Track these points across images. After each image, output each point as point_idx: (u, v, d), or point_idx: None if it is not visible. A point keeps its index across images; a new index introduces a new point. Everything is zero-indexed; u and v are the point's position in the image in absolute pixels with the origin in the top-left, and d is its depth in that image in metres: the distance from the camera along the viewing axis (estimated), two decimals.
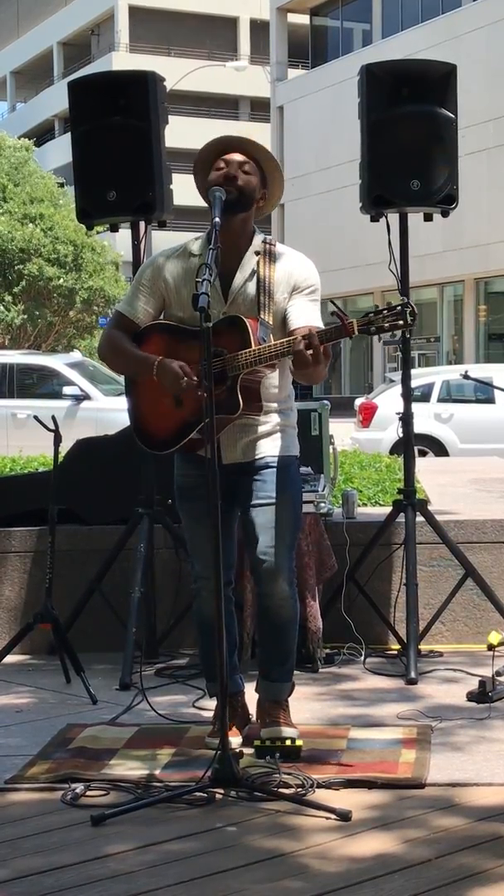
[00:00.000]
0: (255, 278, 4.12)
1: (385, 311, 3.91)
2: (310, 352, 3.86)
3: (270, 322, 4.08)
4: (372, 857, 3.29)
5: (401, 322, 3.90)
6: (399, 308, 3.90)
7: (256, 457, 4.18)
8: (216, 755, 3.71)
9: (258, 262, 4.14)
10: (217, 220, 3.95)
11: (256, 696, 4.36)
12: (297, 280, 4.15)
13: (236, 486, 4.17)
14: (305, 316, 4.10)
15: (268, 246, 4.18)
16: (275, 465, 4.18)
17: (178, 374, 4.01)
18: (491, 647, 4.81)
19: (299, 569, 5.15)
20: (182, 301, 4.14)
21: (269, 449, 4.19)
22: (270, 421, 4.20)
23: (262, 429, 4.18)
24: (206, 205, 4.08)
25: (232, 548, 4.34)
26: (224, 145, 4.17)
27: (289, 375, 4.24)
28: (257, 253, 4.16)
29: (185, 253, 4.21)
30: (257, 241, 4.19)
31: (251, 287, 4.13)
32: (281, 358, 4.02)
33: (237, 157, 4.13)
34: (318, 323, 4.12)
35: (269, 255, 4.16)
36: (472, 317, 33.46)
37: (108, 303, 29.43)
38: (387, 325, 3.91)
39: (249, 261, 4.15)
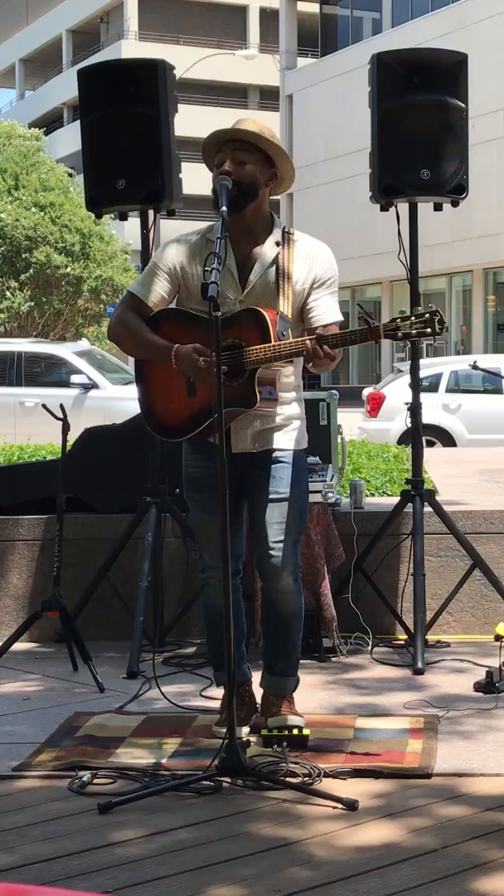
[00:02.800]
0: (274, 268, 4.10)
1: (413, 318, 3.89)
2: (323, 351, 3.88)
3: (290, 316, 4.07)
4: (378, 846, 3.30)
5: (428, 330, 3.87)
6: (428, 316, 3.87)
7: (267, 448, 4.17)
8: (223, 744, 3.71)
9: (278, 254, 4.11)
10: (224, 208, 3.93)
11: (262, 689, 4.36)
12: (318, 273, 4.13)
13: (246, 478, 4.17)
14: (329, 313, 4.10)
15: (288, 236, 4.16)
16: (286, 460, 4.17)
17: (194, 359, 3.98)
18: (498, 638, 4.80)
19: (310, 559, 5.16)
20: (198, 287, 4.12)
21: (280, 442, 4.18)
22: (283, 412, 4.18)
23: (274, 421, 4.17)
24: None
25: (241, 538, 4.33)
26: (219, 139, 4.12)
27: (300, 364, 4.23)
28: (277, 244, 4.13)
29: (202, 239, 4.18)
30: (277, 230, 4.16)
31: (270, 277, 4.10)
32: (296, 357, 4.02)
33: (231, 146, 4.07)
34: (339, 316, 4.13)
35: (290, 247, 4.14)
36: (480, 307, 33.41)
37: (116, 292, 29.41)
38: (414, 331, 3.88)
39: (269, 250, 4.12)
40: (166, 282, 4.17)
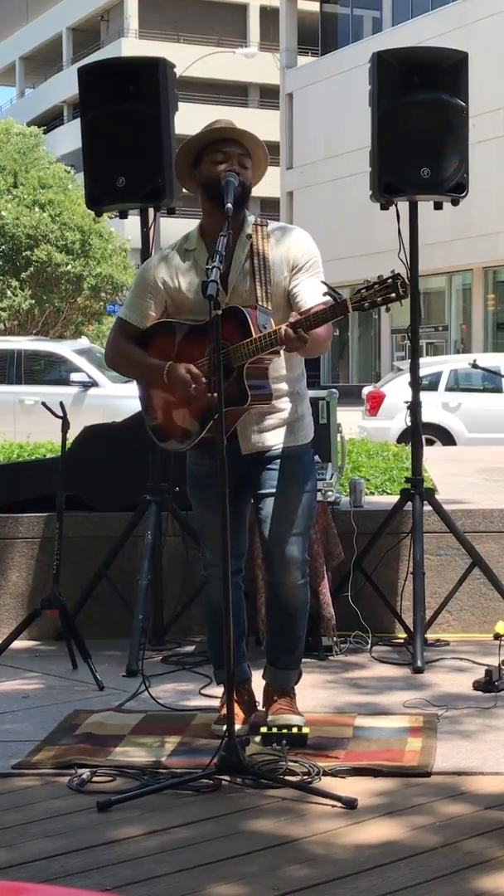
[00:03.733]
0: (250, 263, 4.09)
1: (376, 286, 3.86)
2: (297, 335, 3.82)
3: (270, 307, 4.06)
4: (378, 844, 3.30)
5: (393, 294, 3.85)
6: (389, 280, 3.85)
7: (273, 446, 4.17)
8: (222, 742, 3.71)
9: (251, 245, 4.11)
10: (230, 205, 3.92)
11: (263, 683, 4.36)
12: (296, 257, 4.11)
13: (250, 475, 4.17)
14: (309, 297, 4.05)
15: (259, 227, 4.14)
16: (289, 454, 4.17)
17: (186, 382, 4.00)
18: (497, 637, 4.81)
19: (310, 558, 5.15)
20: (185, 298, 4.12)
21: (285, 439, 4.18)
22: (285, 408, 4.18)
23: (278, 417, 4.16)
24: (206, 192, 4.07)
25: (244, 536, 4.33)
26: (217, 135, 4.09)
27: (294, 356, 4.20)
28: (249, 236, 4.13)
29: (180, 250, 4.19)
30: (248, 223, 4.15)
31: (248, 273, 4.09)
32: (276, 347, 4.00)
33: (236, 149, 4.07)
34: (320, 298, 4.08)
35: (262, 237, 4.12)
36: (480, 306, 33.41)
37: (116, 289, 29.41)
38: (379, 299, 3.84)
39: (243, 246, 4.12)
40: (152, 301, 4.18)
